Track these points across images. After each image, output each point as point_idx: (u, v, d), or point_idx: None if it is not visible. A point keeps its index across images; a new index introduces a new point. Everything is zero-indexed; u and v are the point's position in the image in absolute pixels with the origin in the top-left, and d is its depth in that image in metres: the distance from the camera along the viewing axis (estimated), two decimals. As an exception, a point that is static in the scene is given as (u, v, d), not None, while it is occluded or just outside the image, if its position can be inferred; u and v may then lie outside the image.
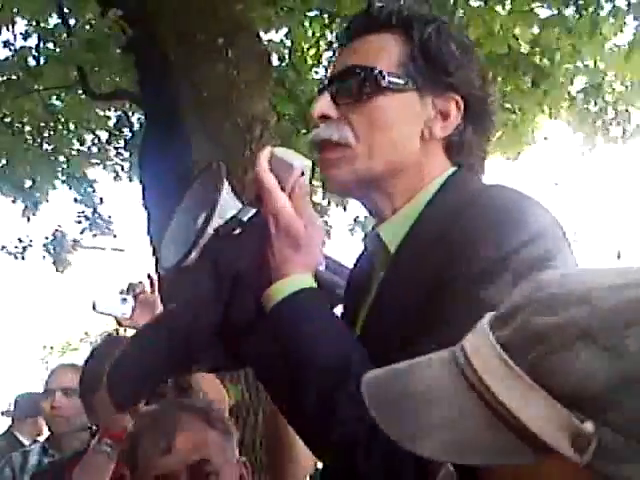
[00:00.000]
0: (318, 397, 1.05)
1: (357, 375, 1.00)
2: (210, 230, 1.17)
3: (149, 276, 2.60)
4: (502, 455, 0.62)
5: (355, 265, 1.34)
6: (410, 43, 1.23)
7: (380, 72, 1.21)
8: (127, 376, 1.34)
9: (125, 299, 2.54)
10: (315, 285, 1.17)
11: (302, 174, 1.17)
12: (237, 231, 1.17)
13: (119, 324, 2.52)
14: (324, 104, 1.23)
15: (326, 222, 6.20)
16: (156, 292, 2.56)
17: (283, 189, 1.16)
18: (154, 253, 4.11)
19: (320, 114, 1.24)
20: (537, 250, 1.05)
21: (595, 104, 5.86)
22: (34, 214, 7.08)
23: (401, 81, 1.21)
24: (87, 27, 5.78)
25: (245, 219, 1.17)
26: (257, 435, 3.42)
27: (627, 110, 5.94)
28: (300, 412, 1.09)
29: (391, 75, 1.21)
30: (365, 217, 6.63)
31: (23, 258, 7.70)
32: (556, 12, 5.03)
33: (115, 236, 7.96)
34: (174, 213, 1.30)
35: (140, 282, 2.58)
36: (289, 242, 1.15)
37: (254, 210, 1.17)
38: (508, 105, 5.54)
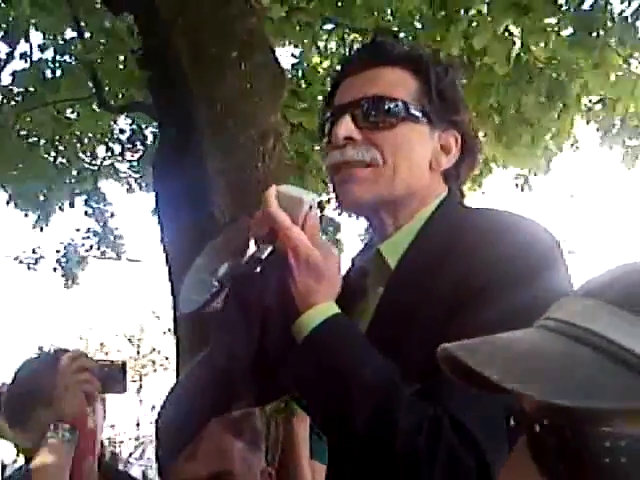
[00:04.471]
0: (374, 414, 1.08)
1: (404, 388, 1.09)
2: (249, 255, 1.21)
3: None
4: (631, 398, 0.58)
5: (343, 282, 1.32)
6: (424, 80, 1.35)
7: (405, 103, 1.32)
8: (175, 429, 1.44)
9: None
10: (339, 310, 1.21)
11: (310, 208, 1.22)
12: (258, 269, 1.20)
13: None
14: (348, 127, 1.32)
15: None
16: None
17: (295, 223, 1.20)
18: (169, 268, 4.11)
19: (345, 136, 1.31)
20: (539, 257, 1.17)
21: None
22: (46, 225, 7.11)
23: (419, 113, 1.33)
24: (102, 40, 5.83)
25: (263, 257, 1.20)
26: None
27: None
28: (355, 430, 1.11)
29: (412, 107, 1.32)
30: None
31: (35, 269, 7.76)
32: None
33: (119, 255, 7.97)
34: (195, 260, 1.33)
35: None
36: (311, 273, 1.19)
37: (270, 247, 1.21)
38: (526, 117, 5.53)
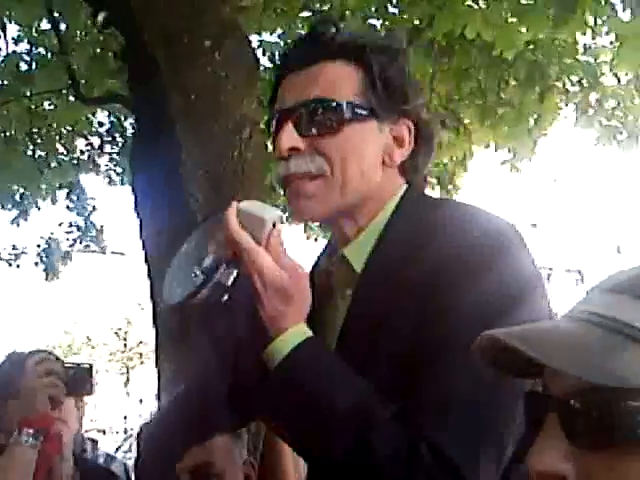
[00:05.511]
0: (351, 443, 1.05)
1: (380, 413, 1.06)
2: (218, 276, 1.16)
3: None
4: None
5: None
6: (367, 72, 1.26)
7: (347, 104, 1.23)
8: (158, 465, 1.46)
9: None
10: (310, 332, 1.17)
11: (274, 225, 1.17)
12: (225, 297, 1.16)
13: None
14: (291, 137, 1.24)
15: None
16: None
17: (258, 243, 1.14)
18: (146, 258, 4.08)
19: (289, 147, 1.24)
20: (502, 252, 1.15)
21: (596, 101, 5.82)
22: (25, 220, 7.06)
23: (364, 111, 1.25)
24: (78, 32, 5.77)
25: (229, 284, 1.16)
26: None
27: (619, 103, 5.88)
28: (332, 458, 1.09)
29: (356, 106, 1.24)
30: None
31: (18, 266, 7.71)
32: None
33: (104, 250, 7.93)
34: (181, 247, 1.29)
35: None
36: (279, 296, 1.14)
37: (235, 271, 1.16)
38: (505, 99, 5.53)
